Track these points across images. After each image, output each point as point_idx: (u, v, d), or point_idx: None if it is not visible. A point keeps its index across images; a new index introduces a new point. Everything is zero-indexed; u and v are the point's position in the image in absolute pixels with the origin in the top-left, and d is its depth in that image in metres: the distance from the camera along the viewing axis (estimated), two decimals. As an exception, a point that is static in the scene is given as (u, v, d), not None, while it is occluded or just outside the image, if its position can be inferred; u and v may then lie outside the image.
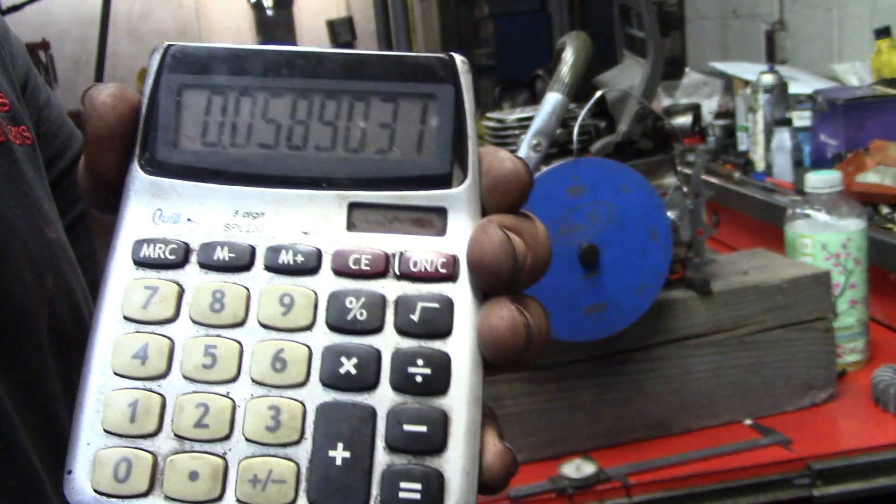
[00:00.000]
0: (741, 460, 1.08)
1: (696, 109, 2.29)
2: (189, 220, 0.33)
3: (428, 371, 0.31)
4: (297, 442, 0.30)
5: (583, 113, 1.11)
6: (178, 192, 0.33)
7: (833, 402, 1.20)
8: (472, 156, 0.33)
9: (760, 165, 2.07)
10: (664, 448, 1.13)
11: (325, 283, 0.32)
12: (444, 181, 0.33)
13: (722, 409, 1.17)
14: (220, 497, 0.30)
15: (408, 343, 0.31)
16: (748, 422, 1.17)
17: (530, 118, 1.11)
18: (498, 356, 0.33)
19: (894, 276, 1.44)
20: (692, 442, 1.14)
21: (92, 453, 0.30)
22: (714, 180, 2.08)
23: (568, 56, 1.12)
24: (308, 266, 0.32)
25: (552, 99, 1.10)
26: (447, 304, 0.32)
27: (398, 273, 0.32)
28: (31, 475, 0.51)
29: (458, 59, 0.33)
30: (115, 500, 0.30)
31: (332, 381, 0.31)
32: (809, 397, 1.19)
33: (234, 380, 0.31)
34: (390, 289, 0.32)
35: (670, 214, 1.10)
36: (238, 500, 0.30)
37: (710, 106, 2.60)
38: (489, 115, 1.21)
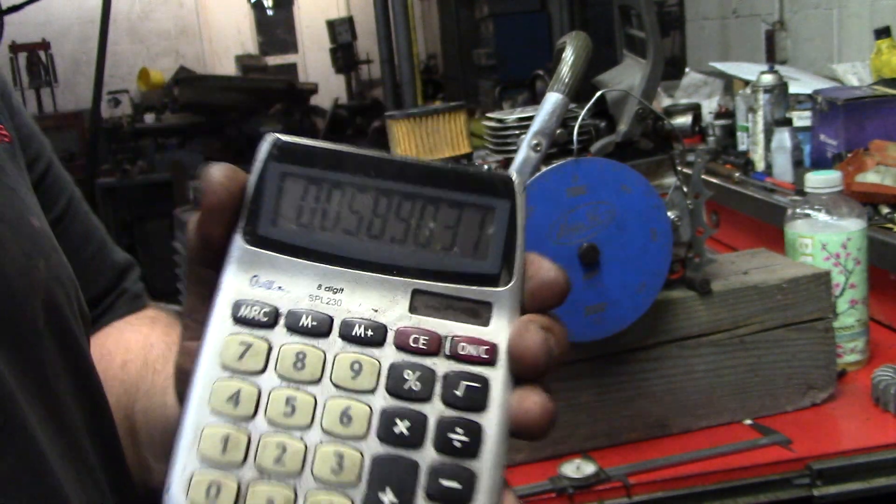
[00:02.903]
0: (741, 460, 1.08)
1: (696, 109, 2.29)
2: (280, 288, 0.39)
3: (465, 438, 0.37)
4: (355, 484, 0.37)
5: (583, 113, 1.11)
6: (272, 263, 0.39)
7: (833, 402, 1.20)
8: (518, 261, 0.39)
9: (760, 165, 2.07)
10: (664, 448, 1.13)
11: (388, 354, 0.38)
12: (493, 281, 0.39)
13: (722, 409, 1.17)
14: None
15: (450, 413, 0.38)
16: (748, 422, 1.17)
17: (530, 118, 1.11)
18: (526, 433, 0.39)
19: (894, 276, 1.44)
20: (692, 442, 1.14)
21: (188, 475, 0.37)
22: (714, 180, 2.08)
23: (568, 56, 1.12)
24: (376, 339, 0.38)
25: (552, 99, 1.10)
26: (485, 384, 0.38)
27: (448, 353, 0.38)
28: (32, 448, 0.53)
29: (517, 180, 0.39)
30: None
31: (387, 437, 0.37)
32: (809, 397, 1.19)
33: (308, 427, 0.37)
34: (440, 366, 0.38)
35: (670, 214, 1.10)
36: None
37: (710, 106, 2.60)
38: (489, 115, 1.21)
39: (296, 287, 0.39)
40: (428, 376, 0.38)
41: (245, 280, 0.39)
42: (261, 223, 0.39)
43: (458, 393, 0.38)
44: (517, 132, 1.13)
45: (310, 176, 0.39)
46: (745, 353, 1.17)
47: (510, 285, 0.39)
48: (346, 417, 0.37)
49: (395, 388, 0.38)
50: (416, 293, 0.39)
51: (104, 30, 5.86)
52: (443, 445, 0.37)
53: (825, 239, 1.25)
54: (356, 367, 0.38)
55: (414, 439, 0.37)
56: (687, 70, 3.04)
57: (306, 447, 0.37)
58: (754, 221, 1.93)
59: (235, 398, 0.37)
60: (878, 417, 1.15)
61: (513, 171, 0.43)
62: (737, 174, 2.06)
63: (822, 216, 1.27)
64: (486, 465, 0.37)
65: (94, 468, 0.58)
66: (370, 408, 0.37)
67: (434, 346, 0.38)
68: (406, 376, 0.38)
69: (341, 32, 6.74)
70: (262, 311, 0.39)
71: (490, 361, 0.38)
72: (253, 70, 7.88)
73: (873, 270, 1.31)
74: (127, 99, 7.08)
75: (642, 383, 1.15)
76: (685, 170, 1.16)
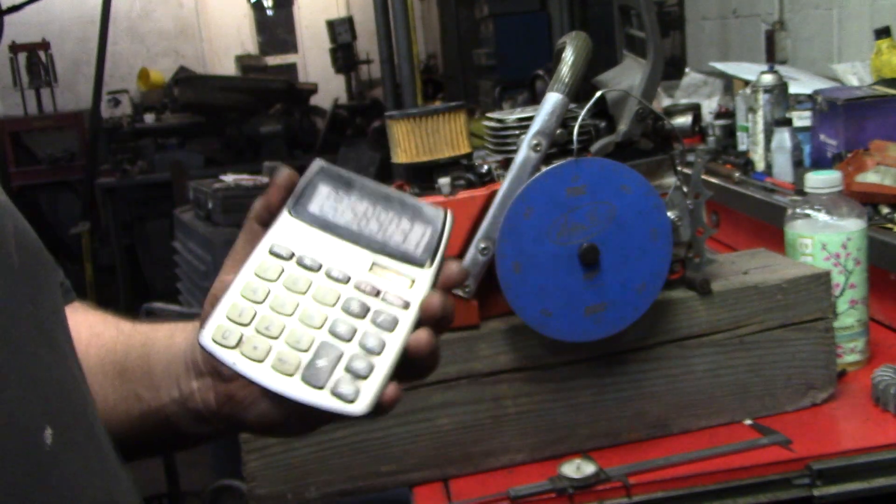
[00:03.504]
0: (741, 460, 1.08)
1: (696, 109, 2.29)
2: (300, 242, 0.65)
3: (375, 343, 0.62)
4: (306, 351, 0.61)
5: (583, 113, 1.11)
6: (300, 229, 0.65)
7: (833, 402, 1.20)
8: (438, 257, 0.65)
9: (760, 165, 2.06)
10: (664, 448, 1.13)
11: (348, 290, 0.64)
12: (420, 264, 0.65)
13: (722, 409, 1.17)
14: (264, 360, 0.61)
15: (372, 328, 0.62)
16: (748, 422, 1.17)
17: (530, 118, 1.11)
18: (416, 357, 0.63)
19: (894, 276, 1.44)
20: (692, 442, 1.14)
21: (215, 325, 0.62)
22: (714, 180, 2.08)
23: (568, 56, 1.12)
24: (342, 280, 0.64)
25: (552, 99, 1.10)
26: (396, 319, 0.63)
27: (381, 298, 0.64)
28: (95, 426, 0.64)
29: (449, 213, 0.66)
30: (217, 346, 0.62)
31: (333, 332, 0.62)
32: (809, 397, 1.19)
33: (290, 315, 0.63)
34: (375, 304, 0.63)
35: (670, 214, 1.10)
36: (273, 364, 0.61)
37: (710, 106, 2.60)
38: (489, 115, 1.21)
39: (309, 244, 0.65)
40: (366, 306, 0.63)
41: (282, 234, 0.65)
42: (299, 206, 0.66)
43: (379, 319, 0.62)
44: (517, 132, 1.13)
45: (333, 187, 0.66)
46: (745, 353, 1.17)
47: (430, 269, 0.64)
48: (312, 315, 0.62)
49: (346, 307, 0.63)
50: (374, 263, 0.64)
51: (104, 30, 5.85)
52: (362, 345, 0.61)
53: (825, 239, 1.25)
54: (326, 291, 0.63)
55: (347, 337, 0.62)
56: (687, 70, 3.04)
57: (285, 326, 0.62)
58: (754, 221, 1.93)
59: (255, 290, 0.63)
60: (878, 417, 1.15)
61: (448, 211, 0.66)
62: (737, 174, 2.06)
63: (822, 216, 1.27)
64: (383, 362, 0.61)
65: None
66: (327, 315, 0.62)
67: (373, 292, 0.63)
68: (353, 303, 0.63)
69: (341, 32, 6.74)
70: (285, 251, 0.64)
71: (405, 307, 0.63)
72: (253, 70, 7.88)
73: (873, 270, 1.31)
74: (127, 99, 7.08)
75: (642, 383, 1.15)
76: (685, 170, 1.16)
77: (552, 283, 1.06)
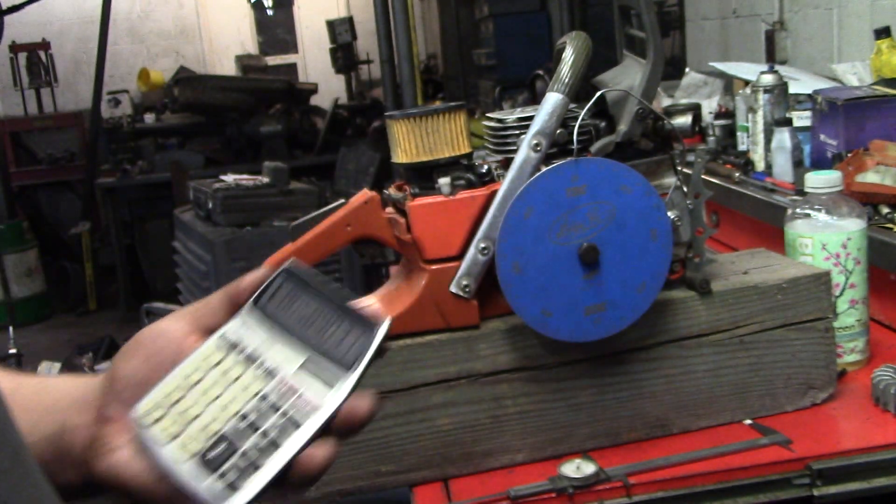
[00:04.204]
0: (741, 460, 1.08)
1: (696, 109, 2.29)
2: (250, 334, 0.70)
3: (271, 444, 0.64)
4: (210, 438, 0.65)
5: (583, 113, 1.11)
6: (255, 321, 0.71)
7: (833, 402, 1.20)
8: (363, 364, 0.66)
9: (760, 165, 2.07)
10: (664, 448, 1.13)
11: (267, 386, 0.67)
12: (347, 368, 0.66)
13: (722, 409, 1.17)
14: (170, 442, 0.65)
15: (278, 422, 0.65)
16: (748, 422, 1.17)
17: (530, 118, 1.11)
18: (305, 470, 0.65)
19: (894, 276, 1.44)
20: (692, 442, 1.14)
21: (150, 398, 0.67)
22: (714, 180, 2.08)
23: (568, 56, 1.12)
24: (271, 374, 0.67)
25: (552, 99, 1.10)
26: (299, 423, 0.64)
27: (298, 397, 0.65)
28: None
29: (387, 325, 0.67)
30: (140, 418, 0.66)
31: (239, 422, 0.65)
32: (809, 397, 1.19)
33: (211, 402, 0.67)
34: (288, 403, 0.65)
35: (670, 214, 1.10)
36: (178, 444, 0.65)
37: (710, 106, 2.60)
38: (489, 115, 1.21)
39: (256, 336, 0.70)
40: (276, 405, 0.65)
41: (239, 323, 0.71)
42: (261, 299, 0.71)
43: (283, 420, 0.64)
44: (517, 132, 1.13)
45: (293, 287, 0.71)
46: (745, 353, 1.17)
47: (351, 374, 0.66)
48: (229, 405, 0.66)
49: (258, 404, 0.66)
50: (306, 361, 0.67)
51: (104, 30, 5.86)
52: (257, 445, 0.64)
53: (825, 239, 1.25)
54: (247, 385, 0.67)
55: (248, 432, 0.64)
56: (687, 70, 3.04)
57: (202, 412, 0.66)
58: (754, 221, 1.93)
59: (189, 375, 0.68)
60: (878, 417, 1.15)
61: (388, 321, 0.68)
62: (737, 174, 2.06)
63: (822, 216, 1.27)
64: (273, 462, 0.63)
65: None
66: (240, 407, 0.66)
67: (289, 391, 0.66)
68: (265, 400, 0.66)
69: (341, 32, 6.74)
70: (232, 340, 0.70)
71: (312, 411, 0.65)
72: (253, 70, 7.88)
73: (873, 270, 1.31)
74: (127, 99, 7.08)
75: (642, 383, 1.15)
76: (685, 170, 1.16)
77: (552, 283, 1.06)
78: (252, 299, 0.71)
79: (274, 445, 0.63)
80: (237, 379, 0.67)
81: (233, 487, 0.62)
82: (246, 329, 0.70)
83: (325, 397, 0.65)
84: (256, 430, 0.64)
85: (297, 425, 0.64)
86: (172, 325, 0.70)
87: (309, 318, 0.69)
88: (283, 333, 0.69)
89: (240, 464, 0.63)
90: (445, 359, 1.11)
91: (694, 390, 1.16)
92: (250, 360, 0.68)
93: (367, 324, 0.67)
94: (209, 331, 0.70)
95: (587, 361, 1.14)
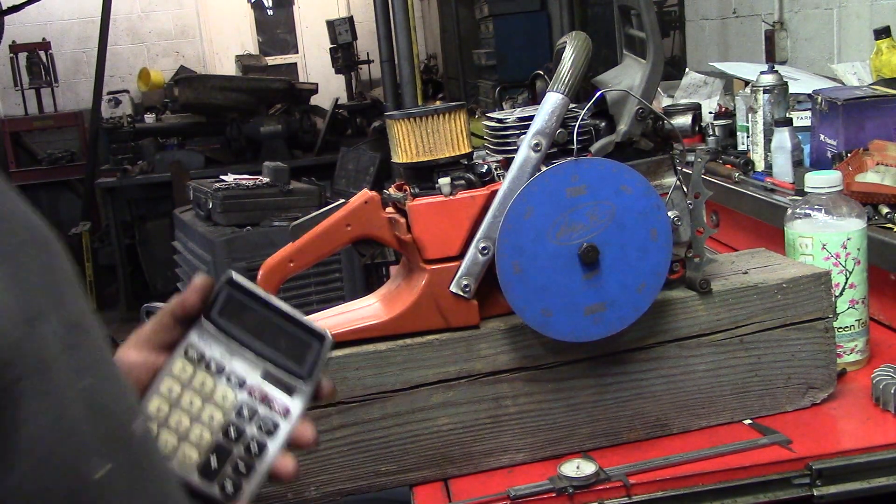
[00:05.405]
0: (741, 460, 1.08)
1: (696, 109, 2.29)
2: (211, 347, 0.73)
3: (257, 447, 0.71)
4: (205, 448, 0.70)
5: (583, 113, 1.11)
6: (212, 335, 0.73)
7: (833, 402, 1.20)
8: (317, 372, 0.74)
9: (760, 165, 2.07)
10: (664, 448, 1.13)
11: (241, 395, 0.72)
12: (301, 379, 0.73)
13: (722, 408, 1.17)
14: (176, 451, 0.70)
15: (256, 432, 0.71)
16: (748, 422, 1.17)
17: (530, 118, 1.11)
18: (282, 471, 0.71)
19: (894, 276, 1.44)
20: (692, 442, 1.14)
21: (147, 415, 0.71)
22: (714, 180, 2.08)
23: (568, 56, 1.12)
24: (239, 385, 0.72)
25: (552, 99, 1.11)
26: (277, 425, 0.72)
27: (266, 405, 0.72)
28: None
29: (330, 337, 0.74)
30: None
31: (225, 433, 0.71)
32: (809, 397, 1.19)
33: (196, 416, 0.71)
34: (261, 409, 0.72)
35: (670, 214, 1.10)
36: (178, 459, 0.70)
37: (710, 106, 2.60)
38: (489, 115, 1.21)
39: (217, 349, 0.73)
40: (254, 411, 0.72)
41: (197, 338, 0.73)
42: (213, 312, 0.74)
43: (263, 424, 0.71)
44: (517, 132, 1.13)
45: (241, 299, 0.74)
46: (744, 353, 1.17)
47: (308, 383, 0.73)
48: (208, 418, 0.71)
49: (238, 411, 0.71)
50: (266, 371, 0.73)
51: (104, 30, 5.85)
52: (247, 448, 0.70)
53: (825, 239, 1.25)
54: (224, 395, 0.72)
55: (236, 439, 0.70)
56: (687, 70, 3.04)
57: (191, 425, 0.70)
58: (754, 221, 1.93)
59: (172, 390, 0.71)
60: (878, 417, 1.15)
61: (328, 333, 0.74)
62: (737, 174, 2.06)
63: (821, 216, 1.27)
64: (262, 463, 0.70)
65: None
66: (224, 416, 0.71)
67: (262, 398, 0.72)
68: (244, 408, 0.72)
69: (341, 32, 6.73)
70: (197, 355, 0.73)
71: (284, 415, 0.72)
72: (253, 70, 7.88)
73: (873, 270, 1.31)
74: (127, 99, 7.07)
75: (642, 383, 1.15)
76: (685, 170, 1.16)
77: (552, 283, 1.06)
78: (204, 313, 0.73)
79: (260, 449, 0.70)
80: (213, 391, 0.71)
81: (230, 495, 0.68)
82: (205, 342, 0.73)
83: (290, 404, 0.72)
84: (241, 436, 0.70)
85: (273, 430, 0.71)
86: (133, 354, 0.73)
87: (258, 328, 0.74)
88: (238, 345, 0.73)
89: (235, 470, 0.69)
90: (445, 359, 1.11)
91: (694, 390, 1.16)
92: (219, 371, 0.72)
93: (314, 334, 0.74)
94: (168, 347, 0.73)
95: (587, 361, 1.14)
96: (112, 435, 0.53)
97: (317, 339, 0.74)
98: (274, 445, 0.70)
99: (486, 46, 6.24)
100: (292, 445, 0.72)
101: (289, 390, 0.72)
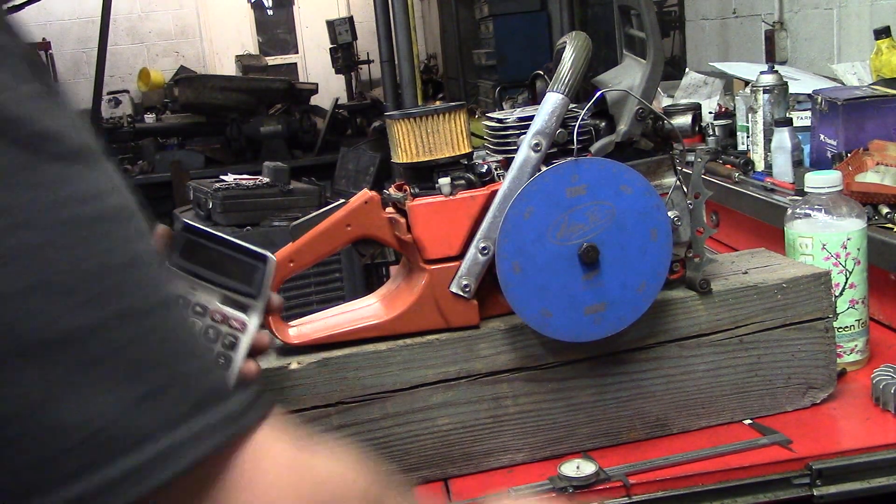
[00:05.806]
0: (741, 460, 1.08)
1: (696, 109, 2.29)
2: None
3: (224, 360, 0.84)
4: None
5: (583, 113, 1.11)
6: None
7: (833, 402, 1.20)
8: (265, 290, 0.88)
9: (760, 165, 2.07)
10: (664, 448, 1.13)
11: (206, 320, 0.84)
12: (253, 297, 0.87)
13: (722, 408, 1.17)
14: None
15: (222, 350, 0.84)
16: (748, 422, 1.17)
17: (530, 118, 1.11)
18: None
19: (894, 276, 1.44)
20: (692, 442, 1.14)
21: None
22: (714, 180, 2.08)
23: (568, 56, 1.12)
24: (201, 312, 0.84)
25: (552, 99, 1.10)
26: (238, 339, 0.85)
27: (227, 324, 0.85)
28: None
29: (273, 260, 0.89)
30: None
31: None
32: (809, 397, 1.19)
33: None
34: (223, 328, 0.85)
35: (670, 214, 1.10)
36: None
37: (710, 106, 2.60)
38: (489, 115, 1.21)
39: (181, 287, 0.83)
40: (218, 332, 0.84)
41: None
42: (174, 255, 0.86)
43: (226, 340, 0.84)
44: (517, 132, 1.13)
45: (194, 239, 0.87)
46: (744, 353, 1.17)
47: (259, 300, 0.87)
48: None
49: (207, 335, 0.83)
50: (223, 296, 0.86)
51: (104, 30, 5.85)
52: (221, 350, 0.83)
53: (825, 239, 1.25)
54: (195, 321, 0.83)
55: (213, 343, 0.83)
56: (687, 70, 3.04)
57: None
58: (754, 221, 1.93)
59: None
60: (878, 417, 1.15)
61: (272, 256, 0.90)
62: (737, 174, 2.07)
63: (821, 216, 1.27)
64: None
65: None
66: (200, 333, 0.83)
67: (222, 319, 0.85)
68: (209, 330, 0.84)
69: (341, 32, 6.74)
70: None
71: (241, 330, 0.85)
72: (253, 70, 7.88)
73: (873, 270, 1.31)
74: (127, 99, 7.08)
75: (642, 383, 1.15)
76: (685, 170, 1.16)
77: (552, 283, 1.06)
78: (166, 258, 0.85)
79: (227, 361, 0.83)
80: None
81: None
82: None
83: (247, 319, 0.86)
84: (215, 343, 0.84)
85: (236, 342, 0.84)
86: None
87: (213, 262, 0.86)
88: (198, 280, 0.86)
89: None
90: (445, 359, 1.11)
91: (694, 390, 1.16)
92: (185, 306, 0.82)
93: (259, 258, 0.88)
94: None
95: (587, 361, 1.14)
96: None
97: (261, 261, 0.88)
98: (238, 356, 0.84)
99: (486, 46, 6.24)
100: (253, 352, 0.86)
101: (244, 308, 0.86)
